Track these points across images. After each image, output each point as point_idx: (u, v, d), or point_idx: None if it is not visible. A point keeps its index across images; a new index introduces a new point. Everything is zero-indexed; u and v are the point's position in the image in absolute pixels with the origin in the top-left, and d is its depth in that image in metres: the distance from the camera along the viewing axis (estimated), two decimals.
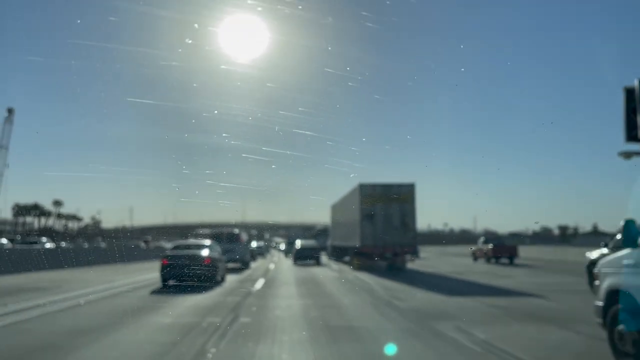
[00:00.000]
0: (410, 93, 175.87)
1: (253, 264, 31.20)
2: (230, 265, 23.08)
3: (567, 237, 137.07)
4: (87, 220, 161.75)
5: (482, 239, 38.01)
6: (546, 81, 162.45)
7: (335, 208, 34.31)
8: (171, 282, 15.44)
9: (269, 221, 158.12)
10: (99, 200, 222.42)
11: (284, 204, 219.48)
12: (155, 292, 14.35)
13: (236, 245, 25.68)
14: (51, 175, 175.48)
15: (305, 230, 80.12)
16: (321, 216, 53.90)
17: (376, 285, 16.53)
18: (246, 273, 23.49)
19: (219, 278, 16.65)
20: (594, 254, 16.25)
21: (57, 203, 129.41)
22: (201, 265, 15.35)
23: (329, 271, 25.48)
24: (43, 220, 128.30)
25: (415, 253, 25.11)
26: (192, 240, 18.53)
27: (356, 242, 24.91)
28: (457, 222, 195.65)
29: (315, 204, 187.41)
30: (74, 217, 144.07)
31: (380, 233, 23.62)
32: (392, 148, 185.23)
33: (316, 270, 25.90)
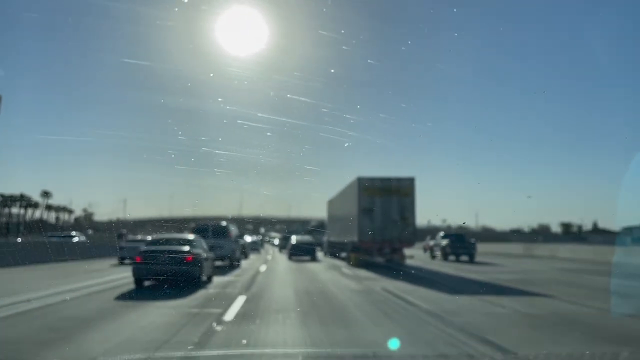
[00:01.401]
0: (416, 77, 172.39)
1: (245, 262, 27.04)
2: (219, 263, 20.67)
3: (570, 234, 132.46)
4: (78, 212, 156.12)
5: (441, 234, 33.19)
6: (550, 76, 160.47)
7: (332, 203, 32.82)
8: (146, 283, 13.65)
9: (265, 215, 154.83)
10: (92, 192, 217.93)
11: (280, 196, 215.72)
12: (123, 296, 11.83)
13: (225, 241, 22.53)
14: (43, 167, 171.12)
15: (301, 225, 76.94)
16: (317, 211, 49.31)
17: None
18: (235, 273, 19.06)
19: (204, 278, 14.43)
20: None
21: (46, 194, 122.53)
22: (182, 263, 13.28)
23: (338, 275, 19.71)
24: (30, 212, 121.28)
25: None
26: (172, 235, 16.36)
27: (354, 238, 23.75)
28: (460, 218, 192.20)
29: (312, 199, 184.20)
30: (64, 209, 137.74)
31: (378, 228, 22.69)
32: (389, 130, 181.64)
33: (320, 274, 20.28)
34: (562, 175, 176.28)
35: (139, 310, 9.90)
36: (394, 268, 20.84)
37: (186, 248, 13.94)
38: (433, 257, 32.29)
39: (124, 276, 15.65)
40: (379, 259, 23.44)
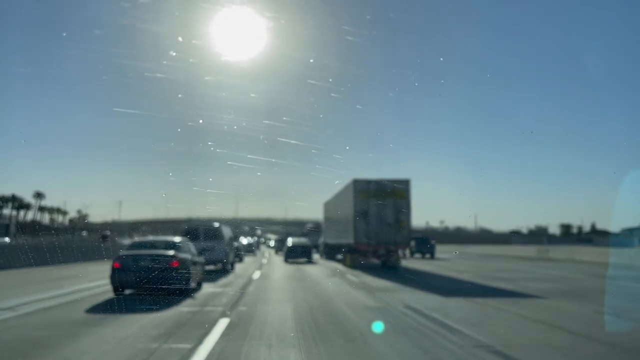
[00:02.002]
0: (397, 100, 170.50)
1: (239, 266, 25.09)
2: (211, 267, 19.64)
3: (571, 235, 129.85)
4: (73, 214, 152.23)
5: None
6: (546, 80, 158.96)
7: (329, 205, 32.50)
8: (127, 292, 12.28)
9: (262, 217, 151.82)
10: (87, 194, 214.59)
11: (276, 201, 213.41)
12: (95, 308, 10.28)
13: (217, 244, 20.89)
14: (37, 168, 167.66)
15: (298, 227, 75.69)
16: (314, 214, 49.97)
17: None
18: (224, 281, 16.57)
19: (193, 285, 13.09)
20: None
21: (39, 195, 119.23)
22: (166, 269, 11.87)
23: (344, 284, 16.70)
24: (22, 213, 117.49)
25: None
26: (157, 238, 15.51)
27: (350, 240, 23.44)
28: (457, 219, 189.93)
29: (309, 201, 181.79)
30: (58, 211, 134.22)
31: (374, 230, 22.57)
32: (381, 151, 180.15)
33: (322, 283, 17.23)
34: (558, 177, 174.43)
35: (91, 334, 7.49)
36: (403, 273, 19.26)
37: (171, 252, 12.32)
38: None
39: (103, 283, 13.71)
40: (375, 261, 23.36)
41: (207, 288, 14.12)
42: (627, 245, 45.36)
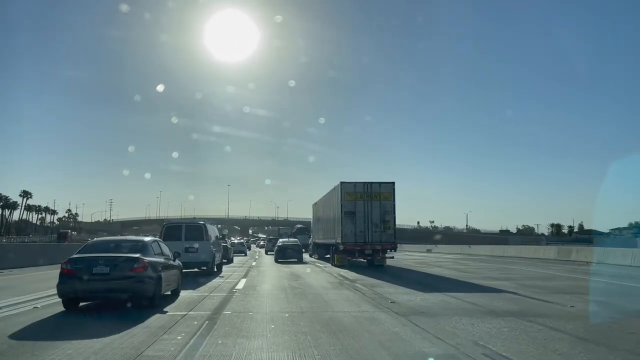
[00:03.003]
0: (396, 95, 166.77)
1: (227, 269, 22.18)
2: (190, 270, 17.50)
3: (561, 235, 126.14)
4: (62, 213, 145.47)
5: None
6: (540, 81, 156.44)
7: (317, 206, 32.31)
8: (81, 303, 9.81)
9: (254, 217, 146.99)
10: (79, 194, 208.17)
11: (269, 200, 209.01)
12: (25, 331, 7.53)
13: (200, 244, 18.07)
14: (25, 167, 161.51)
15: (288, 227, 73.62)
16: (304, 213, 46.05)
17: None
18: (194, 297, 12.06)
19: (166, 292, 10.73)
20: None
21: (26, 194, 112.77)
22: (127, 276, 9.30)
23: (357, 299, 12.00)
24: (7, 212, 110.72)
25: (394, 250, 23.65)
26: (121, 237, 13.49)
27: (338, 239, 23.63)
28: (448, 220, 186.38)
29: (299, 201, 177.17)
30: (46, 210, 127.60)
31: (361, 230, 22.75)
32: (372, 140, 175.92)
33: (327, 298, 12.33)
34: (544, 178, 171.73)
35: None
36: (427, 281, 15.87)
37: (136, 255, 9.83)
38: None
39: (45, 295, 11.42)
40: (362, 260, 23.68)
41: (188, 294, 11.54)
42: (632, 245, 41.52)
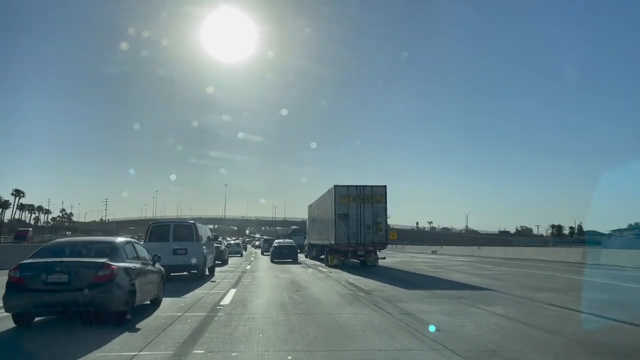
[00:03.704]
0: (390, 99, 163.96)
1: (219, 272, 20.43)
2: (175, 273, 16.14)
3: (562, 236, 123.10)
4: (56, 213, 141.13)
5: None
6: (532, 85, 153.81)
7: (312, 208, 32.67)
8: (36, 319, 8.23)
9: (251, 217, 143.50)
10: (74, 193, 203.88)
11: (265, 200, 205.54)
12: None
13: (190, 245, 16.30)
14: (17, 165, 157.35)
15: (284, 228, 72.28)
16: (301, 213, 45.37)
17: None
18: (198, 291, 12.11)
19: (144, 301, 9.21)
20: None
21: (18, 192, 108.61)
22: (92, 284, 7.60)
23: (383, 320, 8.61)
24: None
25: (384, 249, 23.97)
26: (87, 238, 11.30)
27: (331, 240, 23.89)
28: (446, 221, 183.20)
29: (299, 199, 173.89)
30: (39, 209, 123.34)
31: (353, 232, 23.01)
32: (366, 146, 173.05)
33: (341, 319, 8.99)
34: (542, 179, 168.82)
35: None
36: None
37: (102, 259, 7.95)
38: None
39: None
40: (355, 260, 23.83)
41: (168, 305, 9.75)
42: (638, 247, 38.43)
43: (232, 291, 12.88)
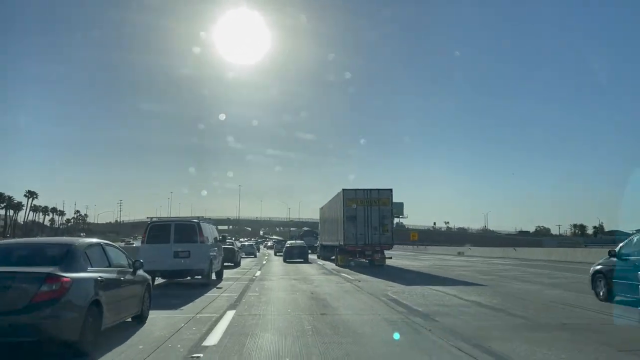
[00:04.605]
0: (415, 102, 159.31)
1: (230, 274, 19.17)
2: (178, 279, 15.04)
3: (586, 236, 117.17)
4: (70, 214, 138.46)
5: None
6: (553, 84, 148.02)
7: (323, 210, 33.33)
8: None
9: (264, 217, 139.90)
10: (89, 195, 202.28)
11: (282, 202, 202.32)
12: None
13: (193, 247, 14.06)
14: (31, 167, 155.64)
15: (297, 230, 73.71)
16: (314, 213, 43.40)
17: None
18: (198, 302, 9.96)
19: (120, 320, 7.15)
20: None
21: (31, 194, 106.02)
22: (30, 305, 5.31)
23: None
24: (11, 213, 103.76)
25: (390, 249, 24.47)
26: (38, 239, 8.63)
27: (340, 241, 24.45)
28: (463, 221, 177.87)
29: (314, 199, 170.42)
30: (53, 210, 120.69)
31: (361, 233, 23.56)
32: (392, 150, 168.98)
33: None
34: (560, 179, 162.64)
35: None
36: None
37: (47, 269, 5.64)
38: None
39: None
40: (363, 260, 24.28)
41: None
42: None
43: (229, 315, 8.79)
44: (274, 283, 15.72)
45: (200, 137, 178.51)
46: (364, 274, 19.19)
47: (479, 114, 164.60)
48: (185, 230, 14.54)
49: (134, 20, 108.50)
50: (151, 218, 16.75)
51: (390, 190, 24.25)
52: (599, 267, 10.92)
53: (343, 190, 24.46)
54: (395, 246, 26.18)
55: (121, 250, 7.96)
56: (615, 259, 10.34)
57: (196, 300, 10.95)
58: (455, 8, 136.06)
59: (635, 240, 10.12)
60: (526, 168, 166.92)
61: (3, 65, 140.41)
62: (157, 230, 14.58)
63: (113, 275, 6.89)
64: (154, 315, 8.43)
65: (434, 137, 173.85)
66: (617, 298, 10.22)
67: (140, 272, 8.15)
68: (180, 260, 14.01)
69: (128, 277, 7.52)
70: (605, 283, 10.48)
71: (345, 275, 18.82)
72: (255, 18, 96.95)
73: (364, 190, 24.11)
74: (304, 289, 13.59)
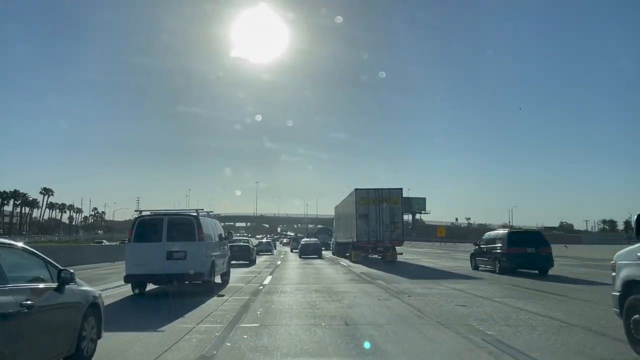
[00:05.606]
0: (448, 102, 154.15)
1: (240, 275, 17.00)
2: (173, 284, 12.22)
3: (616, 232, 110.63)
4: (87, 212, 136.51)
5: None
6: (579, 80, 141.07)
7: (338, 208, 33.69)
8: None
9: (283, 214, 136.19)
10: (107, 192, 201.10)
11: (296, 196, 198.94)
12: None
13: (190, 246, 11.79)
14: (48, 164, 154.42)
15: (313, 227, 73.26)
16: (330, 210, 41.87)
17: None
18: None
19: None
20: None
21: (47, 191, 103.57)
22: None
23: None
24: (27, 210, 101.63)
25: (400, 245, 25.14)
26: None
27: (354, 238, 25.02)
28: (484, 217, 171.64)
29: (332, 194, 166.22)
30: (70, 208, 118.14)
31: (373, 230, 24.12)
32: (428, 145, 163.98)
33: None
34: (586, 174, 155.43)
35: None
36: None
37: None
38: None
39: None
40: (375, 256, 24.95)
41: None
42: None
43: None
44: (287, 298, 11.13)
45: (220, 138, 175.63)
46: (405, 279, 14.67)
47: (508, 111, 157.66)
48: (180, 226, 12.06)
49: (168, 26, 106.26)
50: (140, 211, 12.75)
51: (401, 189, 25.18)
52: None
53: (355, 189, 25.09)
54: (419, 243, 26.46)
55: (38, 256, 5.01)
56: None
57: (186, 315, 8.62)
58: (489, 7, 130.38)
59: None
60: (549, 163, 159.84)
61: (33, 67, 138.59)
62: (146, 227, 12.01)
63: (7, 299, 4.03)
64: (111, 344, 6.05)
65: (461, 133, 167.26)
66: None
67: (73, 287, 5.27)
68: (175, 262, 11.67)
69: (49, 302, 4.76)
70: None
71: (382, 282, 14.32)
72: (287, 19, 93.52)
73: (375, 189, 24.88)
74: (331, 312, 8.83)
